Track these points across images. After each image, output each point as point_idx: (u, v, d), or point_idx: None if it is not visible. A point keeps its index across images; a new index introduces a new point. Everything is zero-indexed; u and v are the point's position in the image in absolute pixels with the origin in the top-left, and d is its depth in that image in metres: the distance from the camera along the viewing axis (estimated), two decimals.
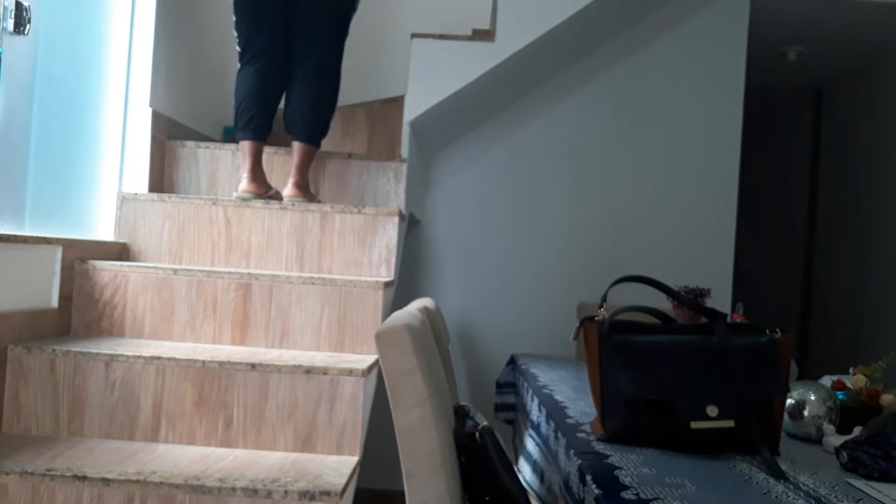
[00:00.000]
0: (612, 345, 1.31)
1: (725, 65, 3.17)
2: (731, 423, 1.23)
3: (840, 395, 1.52)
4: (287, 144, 2.49)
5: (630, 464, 1.17)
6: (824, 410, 1.42)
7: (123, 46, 2.38)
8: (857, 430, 1.34)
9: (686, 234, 3.15)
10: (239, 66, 2.41)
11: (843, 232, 4.36)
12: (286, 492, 1.46)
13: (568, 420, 1.52)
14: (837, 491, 1.09)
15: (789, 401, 1.43)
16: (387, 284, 2.08)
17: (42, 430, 1.73)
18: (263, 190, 2.36)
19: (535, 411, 1.84)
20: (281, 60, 2.38)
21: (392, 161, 2.56)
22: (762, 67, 4.10)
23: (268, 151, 2.55)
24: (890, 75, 3.94)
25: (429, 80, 2.60)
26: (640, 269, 3.05)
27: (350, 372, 1.73)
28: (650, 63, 3.18)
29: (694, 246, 3.15)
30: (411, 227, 3.04)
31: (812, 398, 1.43)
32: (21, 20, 1.82)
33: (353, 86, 3.21)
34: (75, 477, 1.46)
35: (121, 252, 2.24)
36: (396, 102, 2.99)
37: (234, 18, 2.39)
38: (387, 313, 2.04)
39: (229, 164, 2.57)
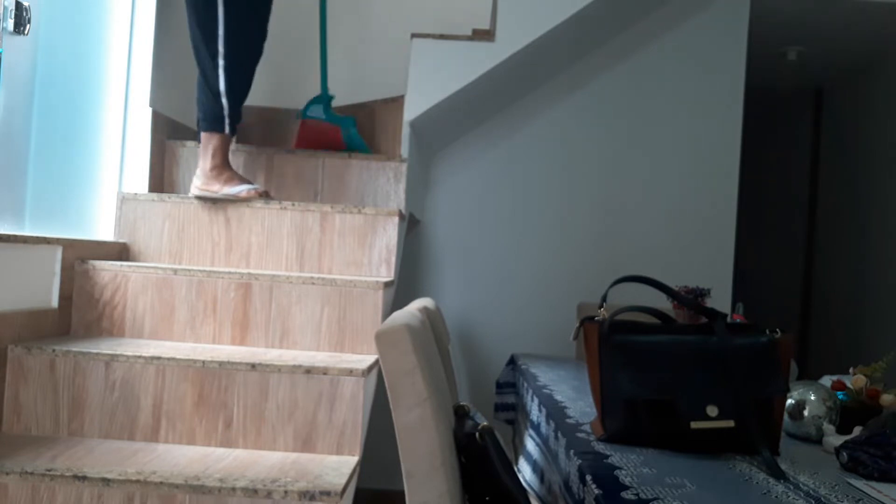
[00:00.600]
0: (612, 345, 1.31)
1: (725, 65, 3.17)
2: (731, 423, 1.23)
3: (840, 395, 1.52)
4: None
5: (630, 464, 1.17)
6: (824, 410, 1.42)
7: (123, 46, 2.38)
8: (857, 430, 1.34)
9: (686, 234, 3.15)
10: None
11: (843, 232, 4.36)
12: (286, 492, 1.46)
13: (568, 420, 1.52)
14: (837, 491, 1.09)
15: (789, 401, 1.43)
16: (387, 284, 2.08)
17: (42, 430, 1.73)
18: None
19: (535, 411, 1.84)
20: None
21: (392, 161, 2.56)
22: (762, 67, 4.10)
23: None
24: (890, 75, 3.94)
25: (429, 80, 2.60)
26: (640, 269, 3.04)
27: (350, 372, 1.73)
28: (650, 63, 3.18)
29: (694, 246, 3.15)
30: (411, 227, 3.04)
31: (812, 398, 1.43)
32: (21, 20, 1.82)
33: (354, 86, 3.21)
34: (75, 477, 1.46)
35: (121, 252, 2.24)
36: (396, 102, 2.99)
37: None
38: (387, 313, 2.04)
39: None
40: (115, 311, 2.00)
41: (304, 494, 1.46)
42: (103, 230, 2.29)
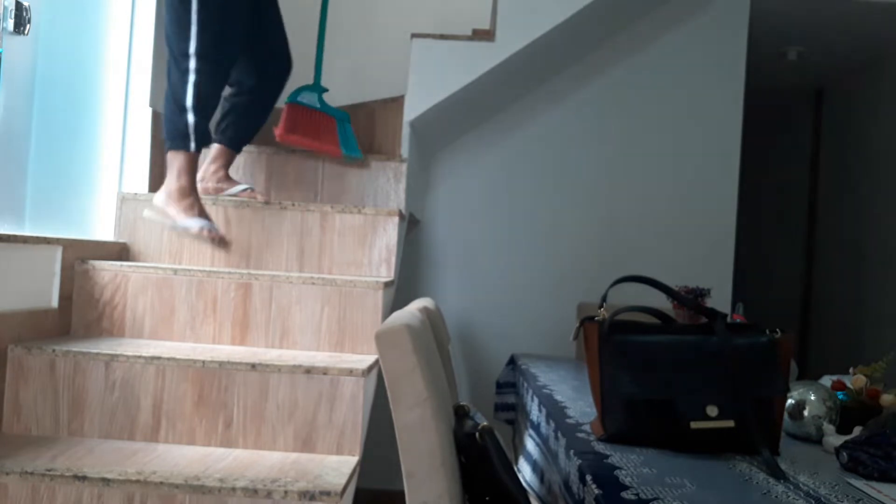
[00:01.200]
0: (612, 345, 1.31)
1: (725, 65, 3.17)
2: (731, 423, 1.23)
3: (840, 395, 1.52)
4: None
5: (630, 464, 1.17)
6: (824, 410, 1.42)
7: (123, 46, 2.38)
8: (857, 430, 1.34)
9: (686, 234, 3.15)
10: None
11: (843, 232, 4.36)
12: (286, 492, 1.46)
13: (568, 420, 1.52)
14: (837, 491, 1.09)
15: (789, 401, 1.43)
16: (387, 284, 2.08)
17: (42, 430, 1.73)
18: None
19: (535, 411, 1.84)
20: None
21: (392, 161, 2.56)
22: (762, 67, 4.10)
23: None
24: (890, 75, 3.94)
25: (429, 80, 2.60)
26: (640, 269, 3.03)
27: (350, 372, 1.73)
28: (650, 63, 3.18)
29: (694, 246, 3.14)
30: (411, 227, 3.04)
31: (812, 398, 1.43)
32: (21, 20, 1.82)
33: (354, 86, 3.21)
34: (75, 477, 1.46)
35: (121, 252, 2.24)
36: (396, 102, 2.99)
37: None
38: (387, 313, 2.04)
39: None
40: (115, 311, 2.00)
41: (304, 494, 1.46)
42: (103, 230, 2.29)
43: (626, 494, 1.01)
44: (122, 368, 1.73)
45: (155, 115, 2.43)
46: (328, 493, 1.46)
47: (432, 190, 3.19)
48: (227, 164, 2.42)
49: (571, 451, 1.26)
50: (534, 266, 3.16)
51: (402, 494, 1.29)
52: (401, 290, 3.04)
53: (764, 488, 1.08)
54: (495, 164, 3.18)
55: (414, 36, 2.65)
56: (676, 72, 3.17)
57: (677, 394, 1.25)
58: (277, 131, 2.53)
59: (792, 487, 1.09)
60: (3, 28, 1.78)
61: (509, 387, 2.59)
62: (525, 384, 2.19)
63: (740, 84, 3.16)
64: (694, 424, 1.23)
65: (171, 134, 2.14)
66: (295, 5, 2.85)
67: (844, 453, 1.22)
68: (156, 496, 1.47)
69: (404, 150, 2.59)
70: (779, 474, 1.14)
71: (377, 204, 2.54)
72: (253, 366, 1.73)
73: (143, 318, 2.00)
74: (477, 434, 1.30)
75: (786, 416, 1.42)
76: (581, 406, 1.69)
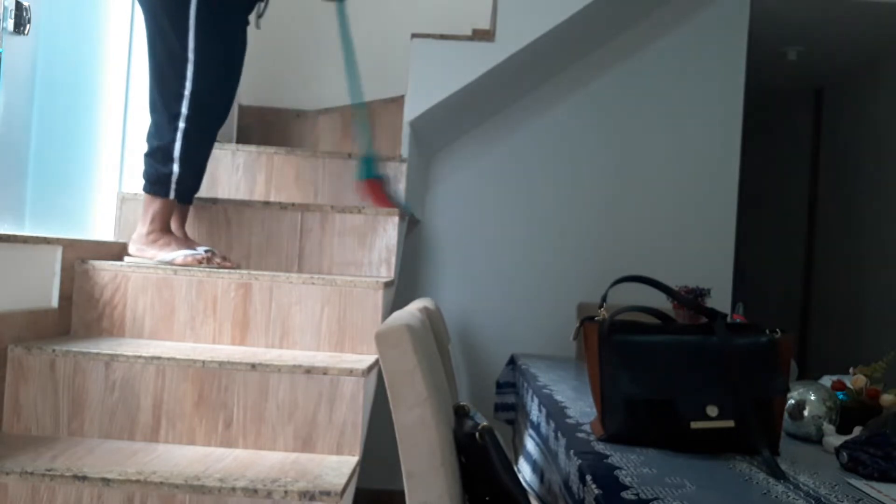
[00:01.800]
0: (612, 345, 1.31)
1: (725, 65, 3.17)
2: (731, 423, 1.23)
3: (840, 395, 1.52)
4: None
5: (630, 464, 1.17)
6: (824, 410, 1.42)
7: (123, 46, 2.38)
8: (857, 430, 1.34)
9: (686, 234, 3.15)
10: None
11: (843, 232, 4.36)
12: (286, 492, 1.46)
13: (568, 420, 1.52)
14: (837, 491, 1.09)
15: (789, 401, 1.43)
16: (387, 284, 2.08)
17: (42, 430, 1.73)
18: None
19: (535, 411, 1.84)
20: None
21: (392, 161, 2.56)
22: (762, 67, 4.10)
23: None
24: (890, 75, 3.94)
25: (429, 80, 2.60)
26: (640, 269, 3.03)
27: (350, 372, 1.73)
28: (650, 63, 3.18)
29: (694, 246, 3.15)
30: (411, 227, 3.04)
31: (812, 398, 1.43)
32: (21, 20, 1.82)
33: None
34: (75, 477, 1.46)
35: (121, 252, 2.24)
36: (396, 102, 2.99)
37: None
38: (387, 313, 2.03)
39: (229, 164, 2.57)
40: (115, 311, 2.00)
41: (304, 494, 1.45)
42: (103, 230, 2.29)
43: (626, 494, 1.01)
44: (122, 368, 1.73)
45: None
46: (328, 493, 1.46)
47: (432, 190, 3.19)
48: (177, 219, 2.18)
49: (571, 451, 1.26)
50: (534, 266, 3.16)
51: (402, 494, 1.29)
52: (401, 290, 3.04)
53: (764, 488, 1.08)
54: (495, 163, 3.18)
55: (414, 36, 2.65)
56: (676, 72, 3.17)
57: (677, 394, 1.25)
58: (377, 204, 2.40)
59: (792, 487, 1.09)
60: (3, 28, 1.78)
61: (509, 387, 2.59)
62: (525, 384, 2.19)
63: (740, 84, 3.16)
64: (694, 424, 1.23)
65: (150, 177, 2.03)
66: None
67: (844, 453, 1.22)
68: (156, 496, 1.47)
69: (404, 150, 2.59)
70: (779, 474, 1.14)
71: None
72: (253, 366, 1.73)
73: (143, 318, 2.00)
74: (477, 434, 1.30)
75: (786, 416, 1.42)
76: (581, 406, 1.69)
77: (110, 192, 2.32)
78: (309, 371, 1.72)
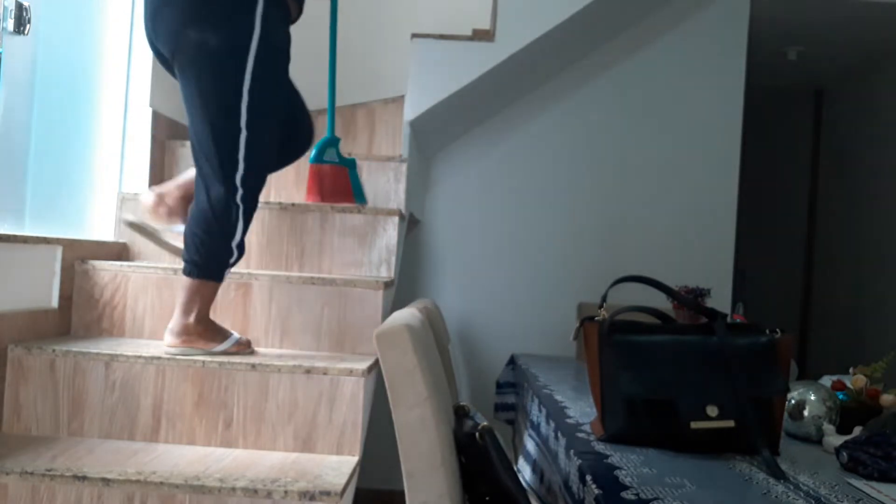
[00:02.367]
0: (612, 345, 1.31)
1: (725, 65, 3.17)
2: (731, 423, 1.23)
3: (840, 395, 1.52)
4: None
5: (630, 464, 1.17)
6: (824, 410, 1.42)
7: (123, 46, 2.38)
8: (857, 430, 1.34)
9: (686, 234, 3.15)
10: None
11: (843, 231, 4.36)
12: (286, 492, 1.46)
13: (568, 420, 1.52)
14: (837, 491, 1.09)
15: (789, 401, 1.43)
16: (387, 284, 2.08)
17: (42, 430, 1.73)
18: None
19: (535, 411, 1.84)
20: None
21: (392, 161, 2.56)
22: (762, 67, 4.10)
23: None
24: (890, 75, 3.94)
25: (429, 80, 2.60)
26: (640, 268, 3.04)
27: (350, 372, 1.73)
28: (650, 63, 3.18)
29: (694, 246, 3.15)
30: (411, 227, 3.04)
31: (812, 398, 1.43)
32: (21, 20, 1.82)
33: (354, 86, 3.21)
34: (75, 477, 1.46)
35: (121, 252, 2.24)
36: (396, 102, 2.99)
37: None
38: (387, 313, 2.03)
39: None
40: (115, 311, 2.00)
41: (304, 494, 1.46)
42: (103, 230, 2.29)
43: (626, 494, 1.01)
44: (122, 368, 1.73)
45: (155, 115, 2.43)
46: (328, 493, 1.46)
47: (432, 190, 3.19)
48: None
49: (571, 451, 1.26)
50: (534, 266, 3.16)
51: (402, 494, 1.29)
52: (401, 290, 3.04)
53: (764, 488, 1.08)
54: (495, 163, 3.18)
55: (414, 36, 2.65)
56: (676, 72, 3.17)
57: (677, 394, 1.25)
58: (308, 197, 2.36)
59: (792, 487, 1.09)
60: (3, 28, 1.78)
61: (509, 387, 2.59)
62: (525, 384, 2.19)
63: (740, 84, 3.16)
64: (694, 424, 1.23)
65: (207, 262, 1.77)
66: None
67: (844, 453, 1.22)
68: (156, 496, 1.47)
69: (404, 150, 2.59)
70: (779, 474, 1.14)
71: (377, 204, 2.54)
72: (253, 366, 1.73)
73: (143, 318, 2.00)
74: (477, 434, 1.30)
75: (786, 416, 1.42)
76: (581, 406, 1.69)
77: (110, 192, 2.32)
78: (309, 371, 1.72)
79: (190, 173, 1.97)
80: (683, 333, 1.35)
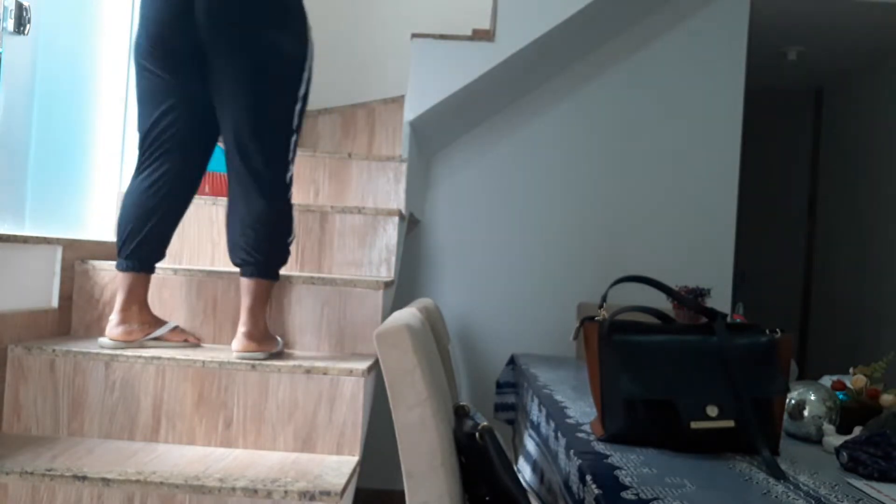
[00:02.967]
0: (612, 345, 1.31)
1: (725, 65, 3.17)
2: (731, 423, 1.23)
3: (840, 395, 1.52)
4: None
5: (630, 464, 1.17)
6: (824, 410, 1.42)
7: (123, 46, 2.38)
8: (857, 430, 1.34)
9: (686, 234, 3.15)
10: None
11: (844, 232, 4.36)
12: (286, 492, 1.46)
13: (568, 420, 1.52)
14: (837, 491, 1.09)
15: (789, 401, 1.43)
16: (387, 284, 2.08)
17: (42, 430, 1.73)
18: (141, 335, 1.82)
19: (535, 411, 1.84)
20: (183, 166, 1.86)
21: (392, 161, 2.56)
22: (762, 67, 4.10)
23: None
24: (890, 75, 3.94)
25: (429, 80, 2.60)
26: (640, 269, 3.05)
27: (350, 372, 1.73)
28: (650, 63, 3.18)
29: (694, 246, 3.15)
30: (411, 227, 3.04)
31: (812, 398, 1.43)
32: (21, 20, 1.82)
33: (354, 86, 3.21)
34: (75, 477, 1.46)
35: None
36: (396, 102, 2.99)
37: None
38: (387, 313, 2.04)
39: None
40: None
41: (304, 494, 1.46)
42: (103, 230, 2.29)
43: (626, 494, 1.01)
44: (122, 368, 1.73)
45: None
46: (328, 493, 1.46)
47: (432, 190, 3.19)
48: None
49: (571, 451, 1.26)
50: (534, 266, 3.16)
51: (402, 494, 1.29)
52: (401, 290, 3.04)
53: (764, 488, 1.08)
54: (495, 163, 3.18)
55: (414, 36, 2.65)
56: (676, 72, 3.18)
57: (677, 394, 1.25)
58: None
59: (792, 487, 1.09)
60: (3, 28, 1.78)
61: (509, 387, 2.59)
62: (525, 384, 2.19)
63: (740, 84, 3.16)
64: (694, 424, 1.23)
65: (276, 265, 1.85)
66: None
67: (844, 453, 1.22)
68: (156, 496, 1.47)
69: (404, 150, 2.59)
70: (779, 474, 1.14)
71: (377, 204, 2.54)
72: (253, 366, 1.73)
73: None
74: (477, 434, 1.30)
75: (786, 416, 1.42)
76: (581, 406, 1.69)
77: (110, 192, 2.32)
78: (309, 371, 1.72)
79: (124, 280, 1.82)
80: (683, 333, 1.35)
